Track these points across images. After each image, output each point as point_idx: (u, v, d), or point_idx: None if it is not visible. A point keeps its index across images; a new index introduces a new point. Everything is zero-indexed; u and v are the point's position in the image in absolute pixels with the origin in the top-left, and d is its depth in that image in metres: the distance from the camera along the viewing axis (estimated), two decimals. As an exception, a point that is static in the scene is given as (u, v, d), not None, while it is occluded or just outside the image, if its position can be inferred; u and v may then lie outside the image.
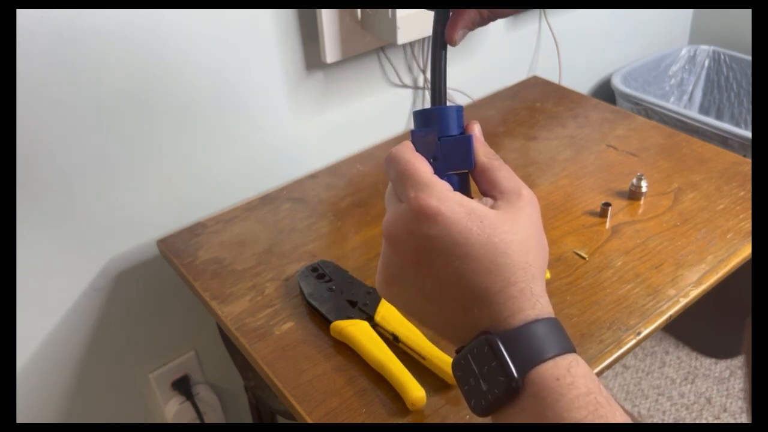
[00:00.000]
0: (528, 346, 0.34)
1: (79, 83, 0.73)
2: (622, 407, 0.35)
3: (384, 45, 0.96)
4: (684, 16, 1.56)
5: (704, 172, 0.89)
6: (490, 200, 0.38)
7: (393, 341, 0.65)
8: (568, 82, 1.28)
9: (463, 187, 0.40)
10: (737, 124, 1.52)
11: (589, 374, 0.34)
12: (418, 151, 0.39)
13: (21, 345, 0.84)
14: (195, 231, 0.83)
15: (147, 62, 0.77)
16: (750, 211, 0.81)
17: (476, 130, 0.40)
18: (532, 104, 1.09)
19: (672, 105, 1.28)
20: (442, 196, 0.36)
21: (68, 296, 0.85)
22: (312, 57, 0.91)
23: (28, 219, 0.76)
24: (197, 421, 1.04)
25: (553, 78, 1.23)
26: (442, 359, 0.62)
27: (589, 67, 1.39)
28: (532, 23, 1.20)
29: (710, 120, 1.22)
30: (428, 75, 1.06)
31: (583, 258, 0.75)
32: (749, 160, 0.91)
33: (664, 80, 1.51)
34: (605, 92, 1.44)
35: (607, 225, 0.80)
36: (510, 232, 0.36)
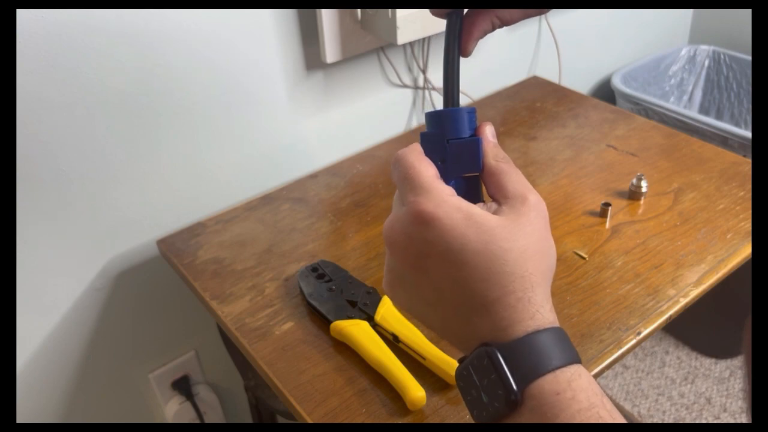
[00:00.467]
0: (527, 359, 0.33)
1: (79, 83, 0.73)
2: (623, 410, 0.35)
3: (384, 45, 0.96)
4: (684, 16, 1.56)
5: (704, 172, 0.89)
6: (494, 205, 0.38)
7: (393, 341, 0.65)
8: (568, 82, 1.28)
9: (472, 191, 0.39)
10: (737, 124, 1.52)
11: (591, 387, 0.34)
12: (426, 153, 0.39)
13: (21, 345, 0.84)
14: (195, 231, 0.83)
15: (147, 62, 0.77)
16: (750, 211, 0.81)
17: (487, 132, 0.39)
18: (532, 104, 1.09)
19: (672, 105, 1.28)
20: (439, 201, 0.35)
21: (68, 296, 0.85)
22: (312, 57, 0.91)
23: (28, 219, 0.76)
24: (197, 421, 1.04)
25: (553, 78, 1.23)
26: (442, 359, 0.62)
27: (589, 67, 1.39)
28: (532, 23, 1.20)
29: (710, 120, 1.22)
30: (428, 75, 1.06)
31: (583, 258, 0.75)
32: (749, 160, 0.91)
33: (664, 80, 1.51)
34: (605, 92, 1.44)
35: (607, 225, 0.80)
36: (508, 239, 0.35)
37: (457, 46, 0.40)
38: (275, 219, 0.85)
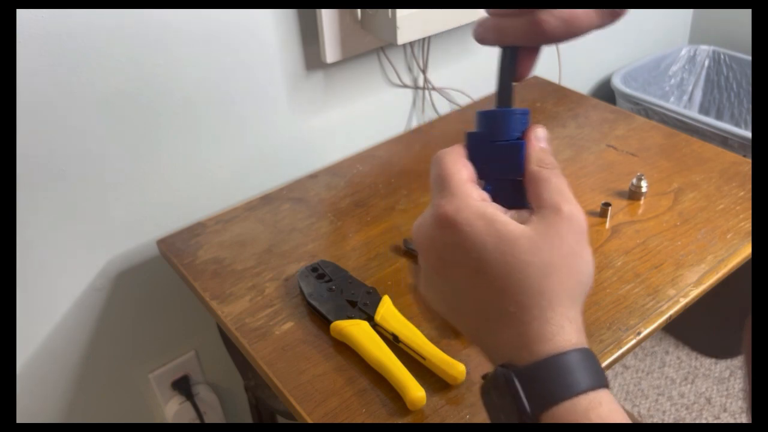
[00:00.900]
0: (543, 385, 0.32)
1: (79, 83, 0.73)
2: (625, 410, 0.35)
3: (384, 45, 0.96)
4: (684, 16, 1.56)
5: (704, 172, 0.89)
6: (526, 213, 0.36)
7: (393, 341, 0.65)
8: (568, 82, 1.28)
9: (514, 195, 0.37)
10: (737, 124, 1.52)
11: (612, 416, 0.32)
12: (470, 153, 0.37)
13: (21, 345, 0.84)
14: (195, 231, 0.83)
15: (147, 62, 0.77)
16: (750, 211, 0.81)
17: (535, 135, 0.38)
18: (532, 104, 1.09)
19: (672, 105, 1.28)
20: (462, 206, 0.34)
21: (68, 296, 0.85)
22: (312, 57, 0.91)
23: (28, 219, 0.76)
24: (197, 421, 1.04)
25: (553, 78, 1.23)
26: (442, 359, 0.62)
27: (589, 67, 1.39)
28: (532, 23, 1.19)
29: (710, 120, 1.22)
30: (428, 75, 1.06)
31: (583, 258, 0.75)
32: (749, 160, 0.91)
33: (664, 80, 1.51)
34: (605, 92, 1.44)
35: (607, 225, 0.80)
36: (530, 251, 0.33)
37: (514, 54, 0.39)
38: (275, 219, 0.85)
